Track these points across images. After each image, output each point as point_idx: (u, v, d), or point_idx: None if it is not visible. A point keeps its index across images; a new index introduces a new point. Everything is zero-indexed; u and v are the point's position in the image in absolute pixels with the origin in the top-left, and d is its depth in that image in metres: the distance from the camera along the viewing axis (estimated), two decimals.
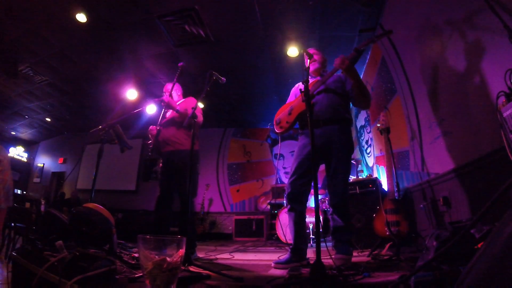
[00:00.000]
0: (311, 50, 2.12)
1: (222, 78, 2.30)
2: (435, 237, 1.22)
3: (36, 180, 8.92)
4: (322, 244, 1.43)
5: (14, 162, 8.34)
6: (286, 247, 3.61)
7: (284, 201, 4.78)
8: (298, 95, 2.18)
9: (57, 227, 1.65)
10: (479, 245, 1.06)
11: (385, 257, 2.11)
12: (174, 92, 2.90)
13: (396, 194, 2.54)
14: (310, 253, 2.26)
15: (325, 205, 4.05)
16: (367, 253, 2.53)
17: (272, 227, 5.49)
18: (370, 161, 4.60)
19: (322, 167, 2.18)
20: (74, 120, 7.49)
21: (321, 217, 4.08)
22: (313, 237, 3.71)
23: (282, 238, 4.23)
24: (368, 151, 4.75)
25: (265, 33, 4.00)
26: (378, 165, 4.12)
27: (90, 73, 5.20)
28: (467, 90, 1.91)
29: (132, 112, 2.86)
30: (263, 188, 7.06)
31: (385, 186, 2.79)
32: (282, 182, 6.77)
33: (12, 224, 2.51)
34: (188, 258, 1.73)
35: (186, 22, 3.82)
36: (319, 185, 4.42)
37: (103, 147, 2.46)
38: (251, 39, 4.15)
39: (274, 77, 5.14)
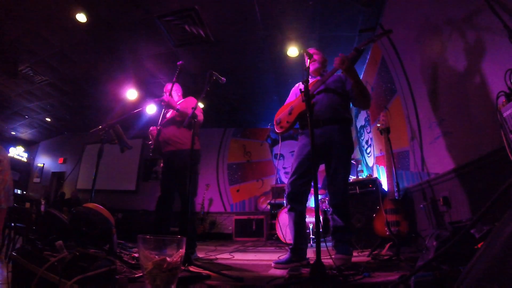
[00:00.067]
0: (311, 50, 2.12)
1: (222, 78, 2.30)
2: (435, 237, 1.22)
3: (36, 180, 8.92)
4: (322, 244, 1.43)
5: (14, 162, 8.34)
6: (286, 247, 3.61)
7: (284, 201, 4.78)
8: (298, 95, 2.18)
9: (57, 227, 1.65)
10: (479, 245, 1.06)
11: (385, 257, 2.11)
12: (174, 93, 2.90)
13: (396, 194, 2.54)
14: (310, 253, 2.26)
15: (325, 205, 4.05)
16: (367, 253, 2.53)
17: (272, 227, 5.49)
18: (370, 161, 4.60)
19: (322, 167, 2.18)
20: (74, 120, 7.49)
21: (321, 217, 4.08)
22: (313, 237, 3.71)
23: (282, 238, 4.23)
24: (368, 151, 4.75)
25: (265, 33, 4.00)
26: (378, 165, 4.12)
27: (90, 73, 5.19)
28: (467, 90, 1.90)
29: (132, 112, 2.87)
30: (263, 188, 7.06)
31: (385, 186, 2.79)
32: (282, 182, 6.77)
33: (12, 224, 2.52)
34: (188, 258, 1.73)
35: (186, 22, 3.82)
36: (319, 185, 4.42)
37: (103, 147, 2.46)
38: (251, 39, 4.15)
39: (274, 77, 5.14)
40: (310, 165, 2.00)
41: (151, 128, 2.77)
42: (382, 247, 2.45)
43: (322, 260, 1.33)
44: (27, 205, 4.17)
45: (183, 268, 1.63)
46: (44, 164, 9.01)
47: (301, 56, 4.09)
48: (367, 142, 4.82)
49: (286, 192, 2.11)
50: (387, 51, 3.35)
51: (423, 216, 2.63)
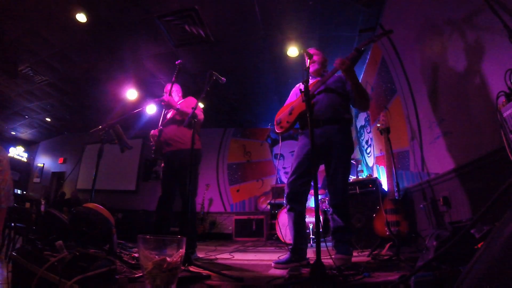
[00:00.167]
0: (311, 50, 2.12)
1: (222, 78, 2.30)
2: (435, 237, 1.22)
3: (36, 180, 8.92)
4: (322, 244, 1.43)
5: (14, 162, 8.34)
6: (286, 247, 3.61)
7: (284, 201, 4.78)
8: (298, 95, 2.18)
9: (57, 227, 1.65)
10: (479, 245, 1.06)
11: (385, 257, 2.11)
12: (174, 93, 2.90)
13: (396, 194, 2.54)
14: (310, 253, 2.26)
15: (325, 205, 4.05)
16: (367, 253, 2.53)
17: (272, 227, 5.49)
18: (370, 161, 4.60)
19: (322, 167, 2.18)
20: (74, 120, 7.49)
21: (321, 217, 4.07)
22: (313, 237, 3.71)
23: (281, 238, 4.23)
24: (368, 151, 4.75)
25: (265, 33, 4.00)
26: (378, 165, 4.12)
27: (90, 73, 5.19)
28: (467, 90, 1.90)
29: (132, 112, 2.87)
30: (263, 188, 7.06)
31: (385, 186, 2.79)
32: (282, 182, 6.76)
33: (12, 224, 2.51)
34: (188, 258, 1.73)
35: (186, 22, 3.82)
36: (319, 185, 4.42)
37: (103, 147, 2.46)
38: (251, 39, 4.15)
39: (274, 77, 5.14)
40: (309, 165, 2.01)
41: (152, 132, 2.77)
42: (382, 247, 2.46)
43: (322, 260, 1.33)
44: (27, 205, 4.17)
45: (183, 268, 1.63)
46: (44, 164, 9.01)
47: (301, 56, 4.09)
48: (367, 142, 4.82)
49: (286, 192, 2.11)
50: (387, 51, 3.35)
51: (423, 216, 2.63)
